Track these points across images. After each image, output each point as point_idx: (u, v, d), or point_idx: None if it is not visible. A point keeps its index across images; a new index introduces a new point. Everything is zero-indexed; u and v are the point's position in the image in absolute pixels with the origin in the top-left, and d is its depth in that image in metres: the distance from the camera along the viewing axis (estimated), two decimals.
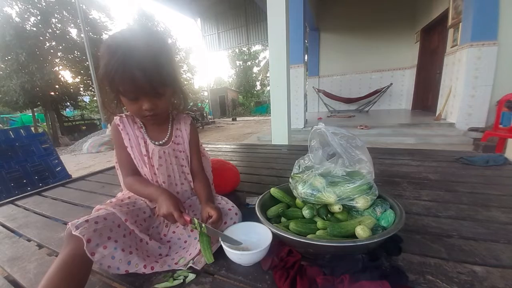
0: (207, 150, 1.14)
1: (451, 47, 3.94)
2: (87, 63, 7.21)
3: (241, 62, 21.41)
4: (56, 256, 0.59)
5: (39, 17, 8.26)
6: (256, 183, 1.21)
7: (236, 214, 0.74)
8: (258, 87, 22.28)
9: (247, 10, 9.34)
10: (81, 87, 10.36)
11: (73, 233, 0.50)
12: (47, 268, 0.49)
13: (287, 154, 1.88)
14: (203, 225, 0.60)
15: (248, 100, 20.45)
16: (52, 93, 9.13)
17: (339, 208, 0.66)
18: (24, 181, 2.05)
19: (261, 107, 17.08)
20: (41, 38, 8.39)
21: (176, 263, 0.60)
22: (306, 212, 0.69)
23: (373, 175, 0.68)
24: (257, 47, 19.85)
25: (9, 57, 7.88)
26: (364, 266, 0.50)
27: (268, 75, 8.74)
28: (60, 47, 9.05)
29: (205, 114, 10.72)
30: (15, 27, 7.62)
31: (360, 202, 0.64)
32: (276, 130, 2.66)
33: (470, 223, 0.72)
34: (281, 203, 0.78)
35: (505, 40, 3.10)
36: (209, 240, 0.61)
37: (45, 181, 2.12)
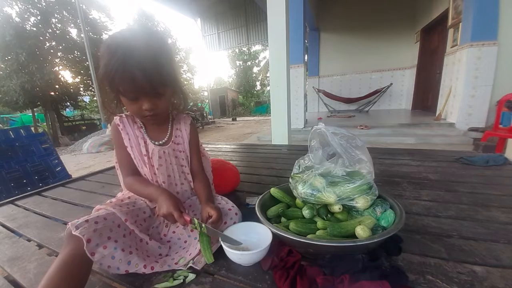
0: (207, 150, 1.14)
1: (451, 47, 3.94)
2: (87, 63, 7.21)
3: (241, 62, 21.41)
4: (56, 256, 0.59)
5: (39, 17, 8.26)
6: (256, 183, 1.21)
7: (236, 214, 0.74)
8: (258, 87, 22.29)
9: (247, 10, 9.34)
10: (81, 87, 10.36)
11: (73, 233, 0.50)
12: (47, 268, 0.49)
13: (287, 154, 1.88)
14: (203, 225, 0.60)
15: (248, 100, 20.45)
16: (52, 93, 9.13)
17: (339, 208, 0.66)
18: (24, 181, 2.05)
19: (261, 107, 17.08)
20: (41, 38, 8.39)
21: (176, 263, 0.60)
22: (306, 212, 0.69)
23: (373, 175, 0.68)
24: (257, 47, 19.88)
25: (9, 57, 7.88)
26: (364, 266, 0.50)
27: (268, 75, 8.74)
28: (60, 47, 9.05)
29: (205, 114, 10.72)
30: (15, 27, 7.62)
31: (360, 202, 0.64)
32: (276, 130, 2.67)
33: (470, 223, 0.72)
34: (281, 203, 0.78)
35: (505, 40, 3.10)
36: (209, 240, 0.61)
37: (45, 181, 2.12)
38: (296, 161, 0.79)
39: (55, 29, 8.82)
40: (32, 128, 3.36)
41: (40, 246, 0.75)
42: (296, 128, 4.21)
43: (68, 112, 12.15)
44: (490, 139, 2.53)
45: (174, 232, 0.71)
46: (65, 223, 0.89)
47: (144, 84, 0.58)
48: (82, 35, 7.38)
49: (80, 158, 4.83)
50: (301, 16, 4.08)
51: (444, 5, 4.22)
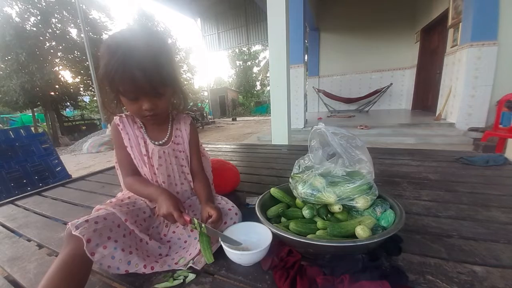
0: (207, 150, 1.14)
1: (451, 47, 3.94)
2: (87, 63, 7.21)
3: (241, 62, 21.40)
4: (56, 256, 0.59)
5: (39, 17, 8.26)
6: (256, 183, 1.21)
7: (236, 214, 0.74)
8: (258, 87, 22.28)
9: (247, 10, 9.34)
10: (81, 87, 10.36)
11: (73, 233, 0.50)
12: (47, 268, 0.49)
13: (287, 154, 1.88)
14: (203, 225, 0.60)
15: (248, 100, 20.45)
16: (52, 93, 9.13)
17: (339, 208, 0.66)
18: (24, 181, 2.05)
19: (261, 107, 17.07)
20: (41, 38, 8.38)
21: (176, 263, 0.60)
22: (306, 212, 0.69)
23: (373, 175, 0.68)
24: (257, 47, 19.88)
25: (9, 57, 7.88)
26: (364, 266, 0.50)
27: (268, 75, 8.74)
28: (60, 47, 9.05)
29: (205, 114, 10.72)
30: (15, 27, 7.62)
31: (360, 202, 0.64)
32: (276, 130, 2.67)
33: (470, 223, 0.72)
34: (281, 203, 0.78)
35: (505, 40, 3.10)
36: (209, 240, 0.61)
37: (45, 181, 2.12)
38: (296, 161, 0.79)
39: (55, 29, 8.82)
40: (32, 128, 3.36)
41: (40, 246, 0.75)
42: (296, 128, 4.21)
43: (68, 112, 12.15)
44: (490, 139, 2.53)
45: (174, 232, 0.71)
46: (65, 223, 0.89)
47: (144, 84, 0.58)
48: (82, 35, 7.38)
49: (80, 158, 4.83)
50: (301, 16, 4.08)
51: (444, 5, 4.22)
